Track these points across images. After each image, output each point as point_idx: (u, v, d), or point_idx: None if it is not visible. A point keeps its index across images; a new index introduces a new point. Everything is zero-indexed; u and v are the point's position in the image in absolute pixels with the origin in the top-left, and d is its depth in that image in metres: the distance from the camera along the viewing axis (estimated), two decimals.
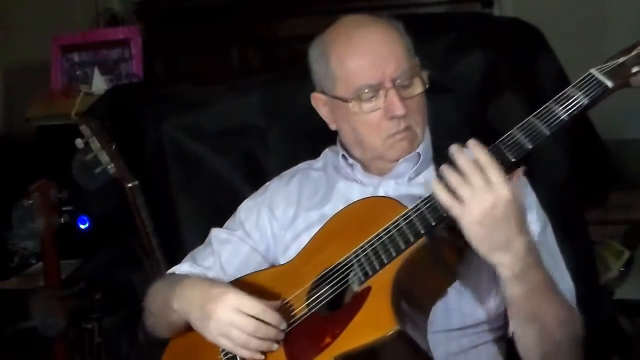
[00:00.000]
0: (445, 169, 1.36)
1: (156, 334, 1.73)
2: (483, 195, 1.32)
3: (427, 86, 1.60)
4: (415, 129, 1.60)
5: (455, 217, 1.35)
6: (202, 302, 1.51)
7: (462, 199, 1.33)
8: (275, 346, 1.48)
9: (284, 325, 1.48)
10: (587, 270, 1.93)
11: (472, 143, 1.35)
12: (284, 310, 1.51)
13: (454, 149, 1.36)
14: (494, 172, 1.33)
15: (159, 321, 1.69)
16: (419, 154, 1.63)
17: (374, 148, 1.62)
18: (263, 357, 1.48)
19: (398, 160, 1.63)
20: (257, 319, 1.46)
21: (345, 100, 1.59)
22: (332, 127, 1.70)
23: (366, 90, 1.57)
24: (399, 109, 1.55)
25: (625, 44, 1.38)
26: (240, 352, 1.49)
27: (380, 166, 1.66)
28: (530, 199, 1.61)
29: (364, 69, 1.57)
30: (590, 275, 1.98)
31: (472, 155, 1.35)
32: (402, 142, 1.60)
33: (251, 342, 1.46)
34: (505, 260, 1.36)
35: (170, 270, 1.79)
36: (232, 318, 1.46)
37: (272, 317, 1.47)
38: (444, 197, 1.35)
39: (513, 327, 1.49)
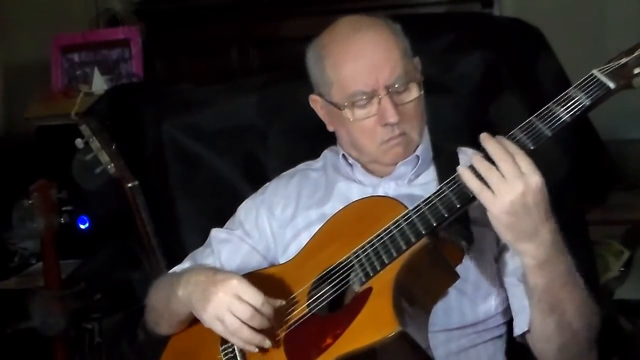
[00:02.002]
0: (475, 157, 1.35)
1: (157, 330, 1.73)
2: (514, 182, 1.31)
3: (422, 92, 1.59)
4: (410, 134, 1.60)
5: (484, 204, 1.34)
6: (205, 286, 1.52)
7: (493, 186, 1.33)
8: (268, 342, 1.48)
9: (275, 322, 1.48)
10: (587, 270, 1.92)
11: (498, 138, 1.35)
12: (284, 310, 1.51)
13: (484, 136, 1.35)
14: (524, 160, 1.33)
15: (162, 315, 1.69)
16: (417, 156, 1.63)
17: (369, 153, 1.63)
18: (256, 349, 1.48)
19: (393, 164, 1.63)
20: (255, 309, 1.46)
21: (339, 107, 1.59)
22: (330, 128, 1.70)
23: (360, 97, 1.56)
24: (392, 117, 1.54)
25: (626, 44, 1.38)
26: (232, 339, 1.49)
27: (378, 169, 1.66)
28: None
29: (357, 75, 1.56)
30: (590, 275, 1.98)
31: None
32: (396, 147, 1.60)
33: (243, 331, 1.46)
34: (531, 248, 1.36)
35: (171, 271, 1.79)
36: (231, 302, 1.46)
37: (269, 311, 1.47)
38: (473, 183, 1.34)
39: (531, 317, 1.47)
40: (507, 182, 1.32)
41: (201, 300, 1.51)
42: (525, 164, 1.32)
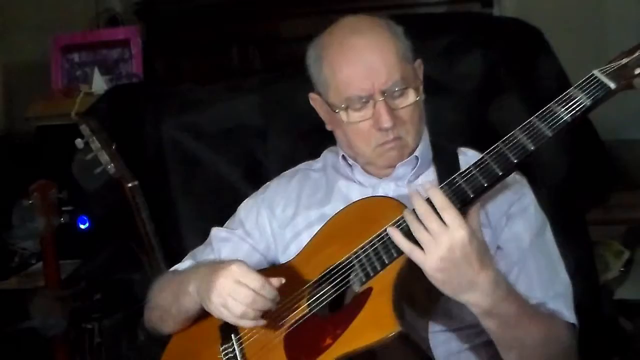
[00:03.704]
0: (406, 214, 1.37)
1: (161, 328, 1.73)
2: (439, 238, 1.32)
3: (418, 97, 1.59)
4: (405, 138, 1.59)
5: (418, 264, 1.35)
6: (208, 277, 1.52)
7: (422, 244, 1.34)
8: (274, 323, 1.48)
9: (277, 299, 1.48)
10: (587, 270, 1.93)
11: (427, 186, 1.36)
12: (285, 310, 1.51)
13: (413, 194, 1.36)
14: (449, 214, 1.33)
15: (169, 312, 1.68)
16: (416, 157, 1.63)
17: (364, 155, 1.63)
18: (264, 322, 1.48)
19: (389, 167, 1.63)
20: (255, 292, 1.46)
21: (335, 110, 1.59)
22: (328, 127, 1.70)
23: (356, 101, 1.56)
24: (386, 122, 1.54)
25: (626, 44, 1.38)
26: (240, 322, 1.49)
27: (376, 170, 1.66)
28: (528, 199, 1.61)
29: (354, 79, 1.55)
30: (590, 275, 1.98)
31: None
32: (391, 151, 1.60)
33: (249, 314, 1.47)
34: (472, 299, 1.37)
35: (172, 269, 1.79)
36: (232, 288, 1.47)
37: (270, 292, 1.47)
38: (404, 244, 1.36)
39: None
40: (433, 239, 1.32)
41: (206, 290, 1.52)
42: (450, 218, 1.32)
